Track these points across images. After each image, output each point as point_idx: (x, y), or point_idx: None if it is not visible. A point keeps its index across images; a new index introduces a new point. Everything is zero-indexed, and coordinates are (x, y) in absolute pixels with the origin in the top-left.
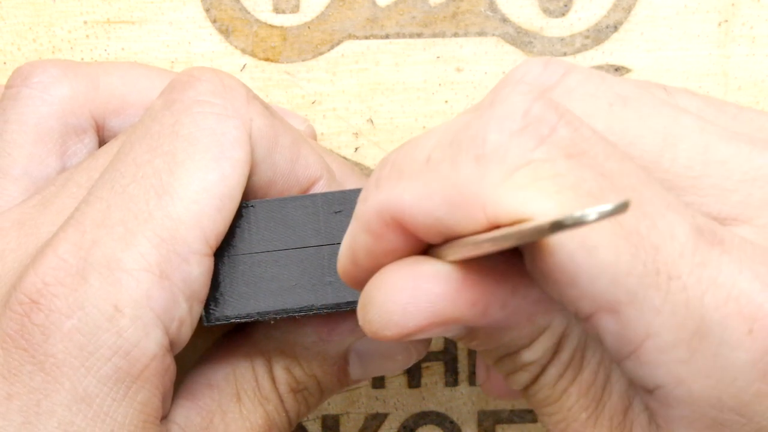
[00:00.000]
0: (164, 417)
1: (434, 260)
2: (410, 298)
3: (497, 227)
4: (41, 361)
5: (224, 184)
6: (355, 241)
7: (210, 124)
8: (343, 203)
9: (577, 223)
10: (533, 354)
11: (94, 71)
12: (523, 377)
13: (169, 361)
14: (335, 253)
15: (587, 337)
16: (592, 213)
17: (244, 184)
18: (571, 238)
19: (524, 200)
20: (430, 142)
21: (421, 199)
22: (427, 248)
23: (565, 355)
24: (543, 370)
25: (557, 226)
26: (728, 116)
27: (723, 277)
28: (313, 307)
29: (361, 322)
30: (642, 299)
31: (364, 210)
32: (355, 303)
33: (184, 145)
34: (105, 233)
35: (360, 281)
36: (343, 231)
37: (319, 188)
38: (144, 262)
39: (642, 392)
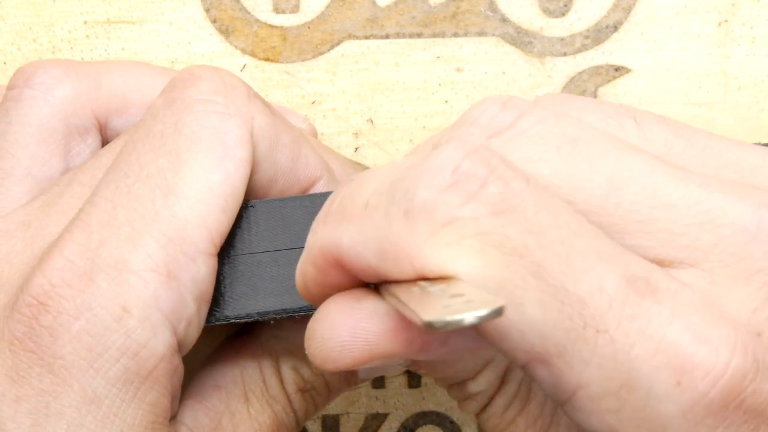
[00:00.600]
0: (173, 418)
1: (374, 297)
2: (348, 336)
3: (425, 279)
4: (50, 363)
5: (228, 184)
6: (304, 271)
7: (212, 122)
8: None
9: (448, 326)
10: (478, 385)
11: (95, 71)
12: (473, 405)
13: (178, 362)
14: None
15: None
16: (467, 318)
17: (247, 183)
18: (499, 294)
19: (449, 257)
20: (372, 185)
21: (357, 244)
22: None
23: (510, 388)
24: (490, 400)
25: (429, 326)
26: (696, 148)
27: (652, 328)
28: (313, 308)
29: (306, 353)
30: (571, 352)
31: (311, 244)
32: None
33: (187, 144)
34: (111, 234)
35: (314, 301)
36: None
37: (320, 188)
38: (151, 262)
39: None
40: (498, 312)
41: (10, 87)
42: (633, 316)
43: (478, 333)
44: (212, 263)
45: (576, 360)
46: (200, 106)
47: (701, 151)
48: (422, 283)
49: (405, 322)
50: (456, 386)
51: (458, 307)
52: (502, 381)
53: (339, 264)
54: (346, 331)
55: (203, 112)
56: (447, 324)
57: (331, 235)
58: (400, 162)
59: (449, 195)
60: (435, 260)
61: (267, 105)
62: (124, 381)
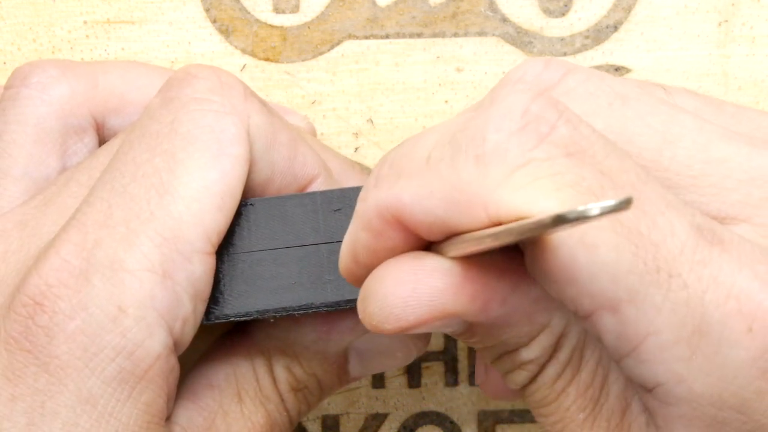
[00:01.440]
0: (168, 418)
1: (435, 256)
2: (411, 291)
3: (499, 225)
4: (45, 363)
5: (224, 182)
6: (356, 240)
7: (208, 121)
8: (342, 201)
9: (580, 217)
10: (531, 352)
11: (92, 70)
12: (521, 376)
13: (173, 362)
14: (335, 252)
15: (586, 336)
16: (594, 208)
17: (244, 182)
18: (571, 236)
19: (525, 199)
20: (430, 140)
21: (421, 198)
22: (427, 245)
23: (563, 355)
24: (541, 369)
25: (559, 220)
26: (727, 115)
27: (723, 275)
28: (313, 306)
29: (361, 316)
30: (642, 297)
31: (364, 209)
32: (354, 301)
33: (183, 144)
34: (107, 233)
35: (362, 279)
36: (342, 229)
37: (317, 186)
38: (147, 262)
39: (641, 391)
40: (626, 203)
41: (7, 86)
42: (704, 262)
43: (547, 279)
44: (209, 262)
45: (648, 305)
46: (196, 105)
47: (731, 117)
48: (501, 225)
49: (468, 278)
50: (506, 355)
51: (578, 203)
52: (555, 348)
53: (399, 223)
54: (408, 287)
55: (199, 111)
56: (579, 214)
57: (389, 194)
58: (453, 120)
59: (521, 137)
60: (511, 203)
61: (264, 103)
62: (119, 381)
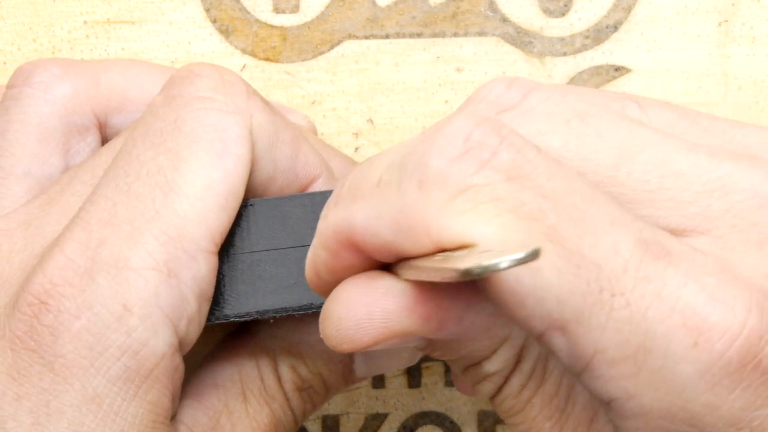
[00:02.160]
0: (173, 417)
1: (390, 276)
2: (364, 314)
3: (442, 251)
4: (50, 362)
5: (227, 181)
6: (316, 256)
7: (211, 120)
8: None
9: (486, 271)
10: (494, 365)
11: (94, 69)
12: (488, 387)
13: (178, 361)
14: None
15: None
16: (503, 262)
17: (247, 181)
18: None
19: (466, 225)
20: (383, 163)
21: (371, 221)
22: (384, 264)
23: (526, 366)
24: (506, 380)
25: (467, 274)
26: (700, 128)
27: (667, 290)
28: (313, 306)
29: (321, 335)
30: (588, 317)
31: (323, 227)
32: None
33: (187, 142)
34: (111, 232)
35: (325, 291)
36: None
37: (318, 186)
38: (152, 260)
39: (602, 404)
40: (535, 254)
41: (9, 86)
42: (648, 278)
43: (496, 303)
44: (213, 261)
45: (593, 325)
46: (199, 103)
47: (705, 130)
48: (442, 253)
49: (421, 299)
50: (471, 368)
51: (492, 255)
52: (518, 359)
53: (353, 244)
54: (362, 309)
55: (202, 110)
56: (485, 269)
57: (344, 215)
58: (408, 140)
59: (462, 163)
60: (452, 228)
61: (266, 102)
62: (124, 380)
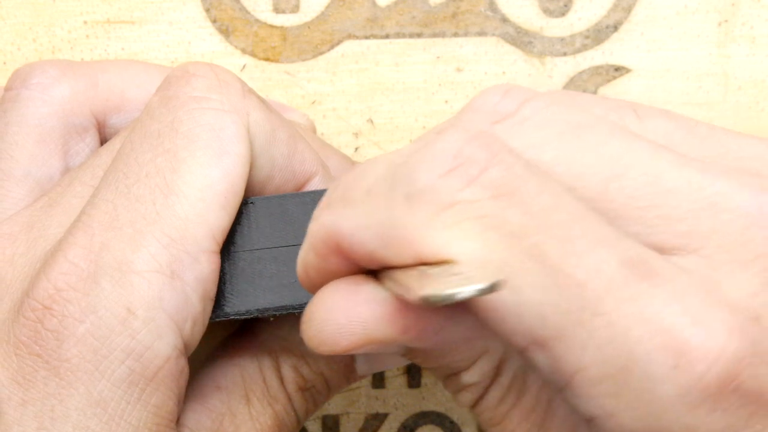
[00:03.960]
0: (178, 421)
1: (373, 283)
2: (344, 320)
3: (424, 264)
4: (55, 367)
5: (227, 181)
6: (305, 257)
7: (208, 119)
8: None
9: (447, 300)
10: (472, 377)
11: (92, 69)
12: (467, 397)
13: (183, 363)
14: None
15: None
16: (464, 291)
17: (246, 180)
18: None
19: (447, 240)
20: (375, 172)
21: (358, 229)
22: (370, 270)
23: (505, 379)
24: (485, 392)
25: (425, 300)
26: (697, 139)
27: (650, 311)
28: None
29: (302, 336)
30: (570, 335)
31: (314, 229)
32: None
33: (185, 142)
34: (114, 235)
35: (314, 290)
36: None
37: (315, 184)
38: (155, 263)
39: (583, 421)
40: (496, 286)
41: (7, 88)
42: (631, 298)
43: (479, 317)
44: (215, 261)
45: (574, 343)
46: (195, 103)
47: (702, 141)
48: (422, 267)
49: (401, 309)
50: (451, 377)
51: (457, 282)
52: (497, 372)
53: (339, 250)
54: (342, 315)
55: (199, 110)
56: (443, 298)
57: (333, 220)
58: (403, 149)
59: (450, 179)
60: (434, 243)
61: (262, 101)
62: (129, 383)
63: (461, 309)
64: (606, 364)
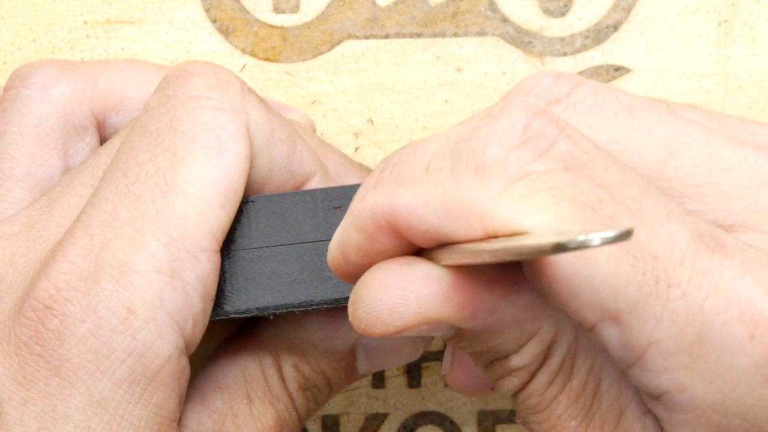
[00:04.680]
0: (179, 421)
1: (426, 262)
2: (399, 298)
3: (494, 237)
4: (57, 367)
5: (226, 180)
6: (347, 238)
7: (207, 118)
8: (342, 199)
9: (580, 246)
10: (521, 359)
11: (91, 69)
12: (512, 382)
13: (184, 363)
14: None
15: (577, 345)
16: (595, 239)
17: (246, 178)
18: None
19: (521, 212)
20: (431, 148)
21: (418, 206)
22: (418, 250)
23: (554, 362)
24: (532, 376)
25: (559, 248)
26: (731, 129)
27: (724, 282)
28: (313, 303)
29: (350, 319)
30: (642, 308)
31: (360, 209)
32: None
33: (184, 142)
34: (114, 235)
35: (349, 275)
36: None
37: (314, 184)
38: (155, 262)
39: (648, 399)
40: (627, 234)
41: (6, 88)
42: (704, 270)
43: (546, 292)
44: (215, 259)
45: (648, 316)
46: (194, 102)
47: (735, 130)
48: (491, 239)
49: (458, 286)
50: (496, 362)
51: (576, 234)
52: (546, 355)
53: (393, 228)
54: (397, 293)
55: (198, 109)
56: (580, 244)
57: (386, 199)
58: (456, 128)
59: (521, 151)
60: (507, 215)
61: (261, 100)
62: (130, 382)
63: (519, 287)
64: (680, 336)
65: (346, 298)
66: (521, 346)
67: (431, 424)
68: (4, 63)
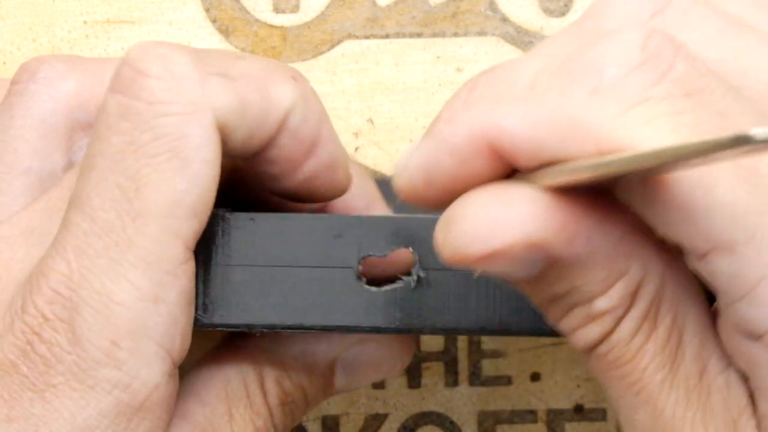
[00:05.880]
0: None
1: (522, 184)
2: (502, 213)
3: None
4: (42, 390)
5: (195, 192)
6: (434, 164)
7: (168, 130)
8: (345, 228)
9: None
10: (608, 301)
11: (99, 66)
12: (594, 332)
13: (173, 387)
14: (330, 277)
15: (663, 290)
16: None
17: (218, 179)
18: (690, 174)
19: (642, 137)
20: (532, 67)
21: (526, 125)
22: (510, 174)
23: (641, 307)
24: (617, 322)
25: (743, 140)
26: None
27: None
28: (302, 326)
29: (440, 243)
30: (760, 239)
31: (451, 132)
32: (344, 327)
33: (146, 160)
34: (90, 264)
35: (428, 200)
36: (341, 255)
37: (294, 116)
38: (136, 291)
39: (746, 342)
40: None
41: (14, 82)
42: None
43: (663, 217)
44: (191, 266)
45: (765, 247)
46: (152, 112)
47: None
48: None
49: (558, 207)
50: (578, 308)
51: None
52: (633, 299)
53: (492, 150)
54: (499, 209)
55: (156, 119)
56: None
57: (485, 118)
58: (553, 47)
59: (641, 73)
60: (626, 139)
61: (224, 75)
62: (116, 413)
63: (613, 218)
64: None
65: (336, 327)
66: (609, 287)
67: (431, 425)
68: (4, 63)
